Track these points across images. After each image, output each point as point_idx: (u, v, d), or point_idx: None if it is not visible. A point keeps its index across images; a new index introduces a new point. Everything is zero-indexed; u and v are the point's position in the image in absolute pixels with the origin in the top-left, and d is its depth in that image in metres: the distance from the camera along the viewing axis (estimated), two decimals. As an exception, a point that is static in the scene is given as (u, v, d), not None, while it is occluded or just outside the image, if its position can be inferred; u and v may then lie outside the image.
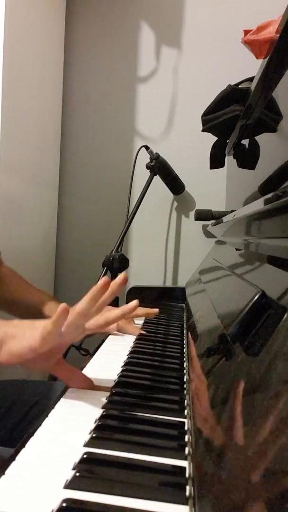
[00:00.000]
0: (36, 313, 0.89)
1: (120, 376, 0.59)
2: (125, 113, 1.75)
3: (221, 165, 1.21)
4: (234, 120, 1.01)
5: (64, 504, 0.30)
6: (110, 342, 0.82)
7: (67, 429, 0.44)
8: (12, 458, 0.37)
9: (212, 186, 1.64)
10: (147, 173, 1.55)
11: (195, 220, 1.48)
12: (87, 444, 0.40)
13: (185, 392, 0.54)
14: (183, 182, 1.65)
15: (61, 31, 1.72)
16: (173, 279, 1.74)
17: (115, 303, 1.36)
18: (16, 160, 1.41)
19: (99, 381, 0.58)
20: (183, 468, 0.36)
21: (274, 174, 0.73)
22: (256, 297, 0.45)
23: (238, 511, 0.24)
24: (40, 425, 0.44)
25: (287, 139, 0.73)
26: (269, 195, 0.52)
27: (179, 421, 0.45)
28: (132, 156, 1.63)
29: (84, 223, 1.83)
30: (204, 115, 1.09)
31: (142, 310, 0.96)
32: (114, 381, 0.57)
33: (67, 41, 1.74)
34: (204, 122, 1.09)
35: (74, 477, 0.34)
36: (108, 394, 0.52)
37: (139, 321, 1.00)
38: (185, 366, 0.66)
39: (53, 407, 0.49)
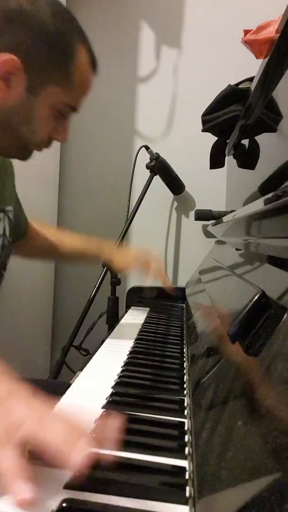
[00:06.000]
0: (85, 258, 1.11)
1: (120, 376, 0.59)
2: (125, 113, 1.75)
3: (221, 165, 1.21)
4: (234, 120, 1.01)
5: (64, 504, 0.30)
6: (110, 342, 0.82)
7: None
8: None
9: (212, 186, 1.64)
10: (147, 173, 1.55)
11: (195, 220, 1.48)
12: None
13: (185, 392, 0.54)
14: (183, 182, 1.65)
15: (61, 31, 1.72)
16: (173, 279, 1.74)
17: (115, 303, 1.37)
18: (16, 160, 1.41)
19: (99, 381, 0.58)
20: (183, 468, 0.36)
21: (274, 174, 0.73)
22: (256, 297, 0.44)
23: (238, 511, 0.24)
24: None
25: (287, 139, 0.73)
26: (269, 195, 0.52)
27: (179, 421, 0.45)
28: (132, 156, 1.63)
29: (84, 223, 1.83)
30: (204, 115, 1.09)
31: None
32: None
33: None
34: (204, 122, 1.09)
35: (74, 477, 0.34)
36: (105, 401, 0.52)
37: (140, 321, 1.00)
38: (185, 366, 0.66)
39: (53, 407, 0.49)
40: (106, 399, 0.51)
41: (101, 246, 1.08)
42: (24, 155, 0.79)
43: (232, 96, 1.01)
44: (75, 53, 0.71)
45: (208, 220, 1.45)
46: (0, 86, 0.67)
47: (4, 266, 0.91)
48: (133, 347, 0.76)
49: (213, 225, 1.22)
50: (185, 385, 0.57)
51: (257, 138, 0.95)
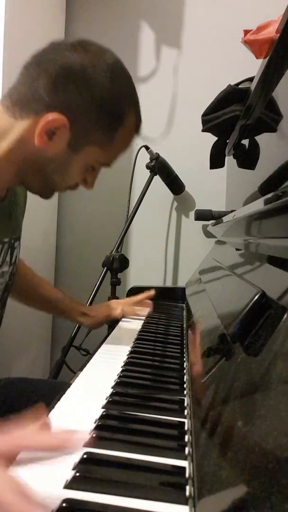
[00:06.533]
0: (51, 308, 1.07)
1: (120, 376, 0.59)
2: (125, 113, 1.75)
3: (221, 165, 1.21)
4: (234, 120, 1.01)
5: (64, 504, 0.30)
6: (110, 342, 0.82)
7: (68, 425, 0.44)
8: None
9: (212, 186, 1.64)
10: (147, 173, 1.55)
11: (195, 220, 1.48)
12: (87, 445, 0.40)
13: (185, 392, 0.54)
14: (183, 182, 1.64)
15: (61, 31, 1.72)
16: (173, 279, 1.74)
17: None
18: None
19: (99, 381, 0.58)
20: (183, 468, 0.36)
21: (274, 174, 0.73)
22: (256, 297, 0.44)
23: (238, 511, 0.24)
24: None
25: (287, 139, 0.73)
26: (269, 195, 0.53)
27: (179, 421, 0.45)
28: (132, 156, 1.63)
29: (84, 223, 1.83)
30: (204, 115, 1.09)
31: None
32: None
33: (67, 41, 1.74)
34: (204, 122, 1.09)
35: (74, 477, 0.34)
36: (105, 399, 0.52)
37: (139, 321, 1.00)
38: (185, 366, 0.66)
39: (53, 407, 0.49)
40: (106, 399, 0.51)
41: (71, 306, 1.06)
42: (48, 196, 0.79)
43: (232, 96, 1.01)
44: (124, 118, 0.71)
45: (208, 220, 1.45)
46: (43, 139, 0.66)
47: (8, 293, 0.91)
48: (133, 347, 0.76)
49: (213, 225, 1.22)
50: (185, 385, 0.57)
51: (257, 138, 0.95)
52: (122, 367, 0.64)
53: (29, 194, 1.00)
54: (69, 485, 0.33)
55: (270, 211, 0.49)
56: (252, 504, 0.23)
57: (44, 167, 0.71)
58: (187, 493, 0.33)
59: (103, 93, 0.66)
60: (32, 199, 1.16)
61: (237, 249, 0.87)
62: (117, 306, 1.07)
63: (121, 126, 0.70)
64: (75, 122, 0.66)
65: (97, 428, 0.43)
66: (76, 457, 0.37)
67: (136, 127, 0.75)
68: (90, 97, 0.66)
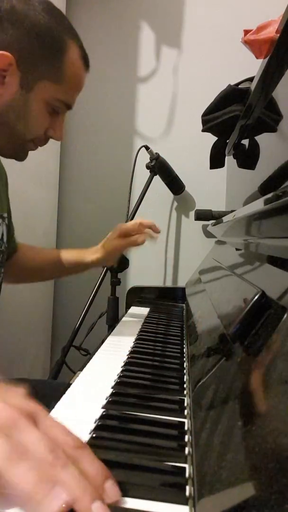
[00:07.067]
0: (61, 266, 1.03)
1: (120, 376, 0.59)
2: (125, 113, 1.75)
3: (221, 165, 1.21)
4: (234, 120, 1.01)
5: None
6: (110, 342, 0.82)
7: (68, 425, 0.44)
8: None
9: (212, 186, 1.64)
10: (147, 173, 1.55)
11: (195, 220, 1.48)
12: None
13: (185, 392, 0.54)
14: (183, 182, 1.65)
15: (61, 31, 1.72)
16: (173, 279, 1.74)
17: (115, 303, 1.36)
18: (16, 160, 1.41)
19: (99, 381, 0.58)
20: (183, 468, 0.36)
21: (274, 174, 0.73)
22: (256, 297, 0.45)
23: (238, 511, 0.24)
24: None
25: (287, 139, 0.73)
26: (269, 195, 0.53)
27: (179, 421, 0.45)
28: (132, 156, 1.63)
29: (84, 223, 1.83)
30: (204, 115, 1.09)
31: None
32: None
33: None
34: (204, 122, 1.09)
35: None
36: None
37: (139, 321, 1.00)
38: (185, 366, 0.66)
39: (53, 407, 0.49)
40: (106, 399, 0.51)
41: (81, 251, 1.04)
42: (20, 155, 0.80)
43: (232, 96, 1.01)
44: (66, 48, 0.73)
45: (208, 220, 1.45)
46: None
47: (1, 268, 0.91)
48: (133, 347, 0.76)
49: (213, 225, 1.22)
50: (185, 385, 0.57)
51: (257, 138, 0.95)
52: (122, 367, 0.64)
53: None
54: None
55: (270, 211, 0.49)
56: (252, 504, 0.23)
57: (5, 117, 0.73)
58: (187, 493, 0.33)
59: (38, 25, 0.70)
60: (32, 198, 1.16)
61: (237, 249, 0.87)
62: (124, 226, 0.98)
63: (64, 56, 0.73)
64: (20, 58, 0.69)
65: (97, 428, 0.43)
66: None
67: (82, 60, 0.77)
68: (26, 30, 0.69)
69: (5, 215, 0.92)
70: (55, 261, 1.03)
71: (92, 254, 1.01)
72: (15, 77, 0.70)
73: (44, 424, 0.32)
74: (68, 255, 1.03)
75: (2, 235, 0.89)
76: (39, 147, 0.81)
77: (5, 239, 0.91)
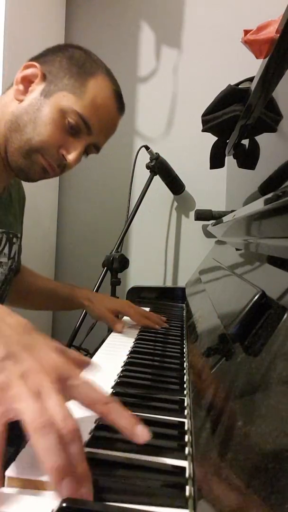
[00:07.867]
0: (53, 297, 1.03)
1: (120, 376, 0.59)
2: (125, 113, 1.75)
3: (221, 165, 1.21)
4: (234, 120, 1.01)
5: (64, 504, 0.30)
6: (110, 342, 0.82)
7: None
8: (15, 453, 0.37)
9: (212, 186, 1.64)
10: (147, 173, 1.55)
11: (195, 220, 1.48)
12: (87, 445, 0.40)
13: (185, 392, 0.54)
14: (183, 182, 1.65)
15: (61, 31, 1.72)
16: (173, 279, 1.74)
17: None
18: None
19: (99, 381, 0.58)
20: (183, 468, 0.36)
21: (274, 174, 0.73)
22: (256, 297, 0.45)
23: (238, 511, 0.24)
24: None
25: (287, 139, 0.73)
26: (269, 195, 0.53)
27: (179, 421, 0.45)
28: (132, 156, 1.63)
29: (84, 223, 1.83)
30: (204, 115, 1.09)
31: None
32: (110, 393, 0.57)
33: (67, 41, 1.74)
34: (204, 122, 1.09)
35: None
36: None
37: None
38: (185, 366, 0.66)
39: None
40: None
41: (75, 289, 1.02)
42: (30, 170, 0.79)
43: (232, 96, 1.01)
44: (96, 74, 0.76)
45: (208, 220, 1.45)
46: (20, 90, 0.76)
47: (7, 286, 0.92)
48: (133, 347, 0.76)
49: (213, 225, 1.22)
50: (185, 385, 0.57)
51: (257, 138, 0.95)
52: (122, 367, 0.64)
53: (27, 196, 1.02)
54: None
55: (270, 211, 0.49)
56: (252, 504, 0.23)
57: (19, 121, 0.75)
58: (187, 493, 0.33)
59: (74, 52, 0.78)
60: (32, 199, 1.16)
61: (237, 249, 0.87)
62: (129, 310, 0.95)
63: (91, 79, 0.76)
64: (49, 71, 0.76)
65: (97, 428, 0.43)
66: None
67: (114, 95, 0.79)
68: (62, 52, 0.77)
69: (19, 235, 0.93)
70: (51, 292, 1.03)
71: (84, 299, 0.99)
72: (39, 86, 0.75)
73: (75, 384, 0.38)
74: (64, 289, 1.02)
75: (15, 253, 0.90)
76: (50, 172, 0.80)
77: (16, 257, 0.91)
